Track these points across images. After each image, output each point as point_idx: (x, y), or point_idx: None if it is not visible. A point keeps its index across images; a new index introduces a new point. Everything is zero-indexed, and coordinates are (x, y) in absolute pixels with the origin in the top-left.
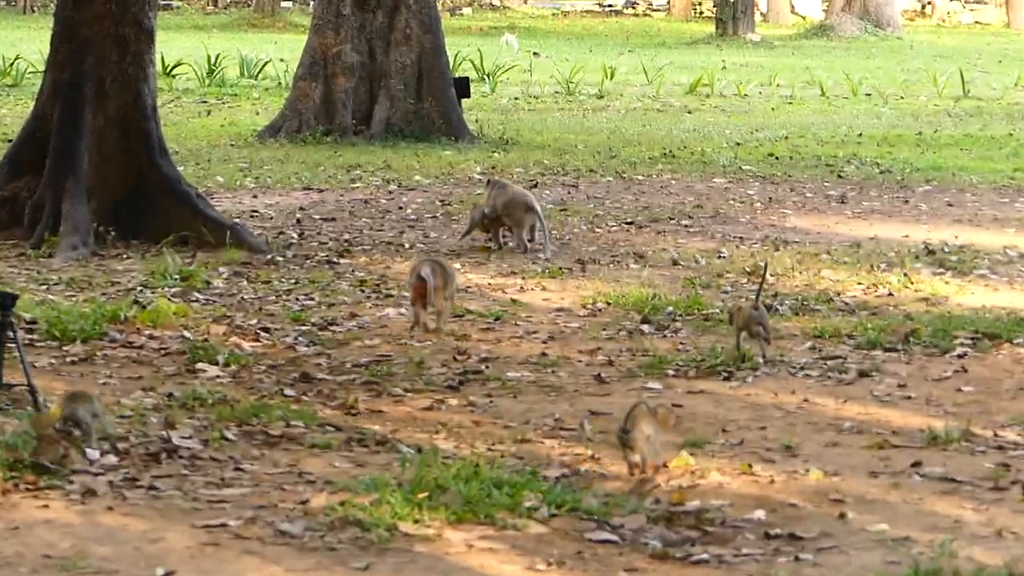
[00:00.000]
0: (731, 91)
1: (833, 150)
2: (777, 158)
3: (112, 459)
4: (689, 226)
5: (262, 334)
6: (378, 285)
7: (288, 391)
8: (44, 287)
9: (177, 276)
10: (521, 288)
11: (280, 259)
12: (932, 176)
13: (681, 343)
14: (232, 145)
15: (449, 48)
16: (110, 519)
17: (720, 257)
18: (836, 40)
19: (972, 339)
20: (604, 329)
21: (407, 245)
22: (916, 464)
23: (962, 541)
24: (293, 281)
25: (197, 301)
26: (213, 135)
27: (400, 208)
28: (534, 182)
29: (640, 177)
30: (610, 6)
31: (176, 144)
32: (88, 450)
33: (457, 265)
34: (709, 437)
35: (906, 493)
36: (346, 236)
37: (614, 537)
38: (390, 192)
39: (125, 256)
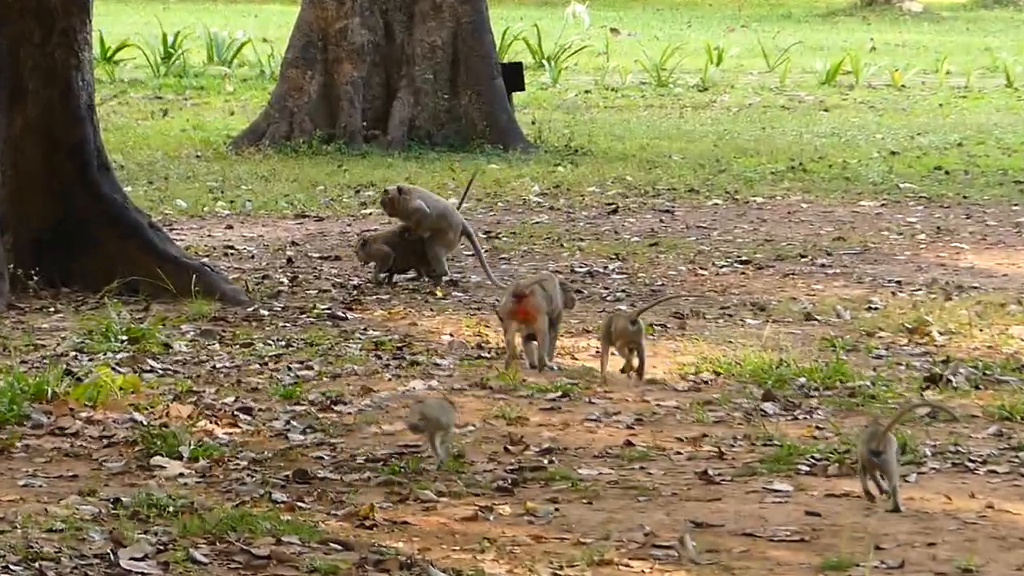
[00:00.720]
0: (883, 81)
1: None
2: (947, 173)
3: None
4: (827, 266)
5: (242, 416)
6: (400, 348)
7: (278, 495)
8: None
9: (124, 337)
10: (597, 351)
11: (265, 313)
12: None
13: (818, 428)
14: (198, 157)
15: (495, 23)
16: None
17: (871, 309)
18: None
19: None
20: (711, 409)
21: (439, 294)
22: None
23: None
24: (283, 343)
25: (152, 371)
26: (172, 143)
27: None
28: (613, 206)
29: (759, 199)
30: None
31: (121, 156)
32: None
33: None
34: (858, 557)
35: None
36: (355, 281)
37: None
38: None
39: (52, 309)
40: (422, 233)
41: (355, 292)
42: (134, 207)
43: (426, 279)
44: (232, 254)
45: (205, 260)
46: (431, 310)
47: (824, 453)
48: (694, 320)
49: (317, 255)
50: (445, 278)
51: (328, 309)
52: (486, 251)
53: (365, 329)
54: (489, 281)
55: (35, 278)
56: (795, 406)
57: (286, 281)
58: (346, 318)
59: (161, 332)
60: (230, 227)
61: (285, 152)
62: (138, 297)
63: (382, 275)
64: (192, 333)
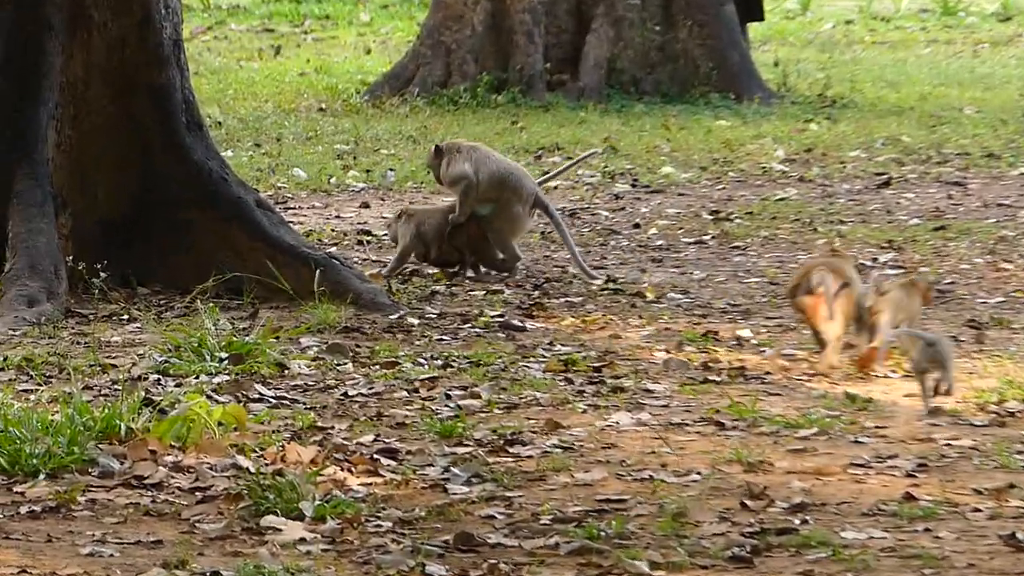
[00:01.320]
0: None
1: None
2: None
3: None
4: None
5: (384, 462)
6: (598, 369)
7: (434, 567)
8: None
9: (223, 354)
10: (865, 373)
11: (415, 322)
12: None
13: None
14: (322, 110)
15: None
16: None
17: None
18: None
19: None
20: (1021, 451)
21: (650, 295)
22: None
23: None
24: (439, 362)
25: (262, 400)
26: (287, 93)
27: (637, 226)
28: (885, 176)
29: None
30: None
31: (218, 110)
32: None
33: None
34: None
35: None
36: (536, 279)
37: None
38: (616, 196)
39: (125, 317)
40: (462, 214)
41: (536, 293)
42: (236, 179)
43: (490, 272)
44: (369, 242)
45: (332, 250)
46: (639, 317)
47: None
48: (995, 331)
49: None
50: (520, 265)
51: (500, 317)
52: (712, 237)
53: (550, 344)
54: (582, 273)
55: (103, 274)
56: None
57: (442, 278)
58: (524, 329)
59: (274, 348)
60: (366, 205)
61: (440, 104)
62: (242, 300)
63: (397, 268)
64: (315, 349)
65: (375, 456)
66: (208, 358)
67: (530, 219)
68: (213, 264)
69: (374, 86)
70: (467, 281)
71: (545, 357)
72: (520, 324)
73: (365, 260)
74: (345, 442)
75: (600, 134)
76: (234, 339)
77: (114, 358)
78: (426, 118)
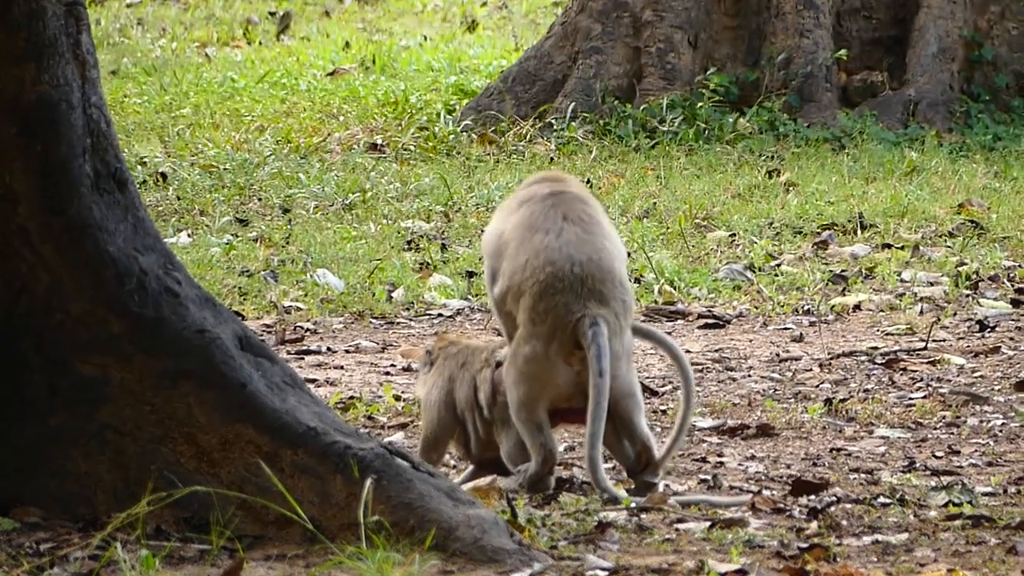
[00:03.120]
0: None
1: None
2: None
3: None
4: None
5: None
6: None
7: None
8: None
9: None
10: None
11: None
12: None
13: None
14: (376, 148)
15: None
16: None
17: None
18: None
19: None
20: None
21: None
22: None
23: None
24: None
25: None
26: (301, 113)
27: None
28: None
29: None
30: None
31: (163, 147)
32: None
33: None
34: None
35: None
36: (815, 499)
37: None
38: (983, 325)
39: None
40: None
41: (813, 525)
42: (196, 293)
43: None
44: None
45: (396, 440)
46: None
47: None
48: None
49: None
50: (548, 474)
51: (741, 574)
52: None
53: None
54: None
55: None
56: None
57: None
58: None
59: None
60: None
61: (617, 135)
62: (207, 543)
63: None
64: None
65: None
66: None
67: (573, 370)
68: (146, 469)
69: (482, 98)
70: (671, 500)
71: None
72: None
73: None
74: None
75: (949, 196)
76: None
77: None
78: (592, 163)
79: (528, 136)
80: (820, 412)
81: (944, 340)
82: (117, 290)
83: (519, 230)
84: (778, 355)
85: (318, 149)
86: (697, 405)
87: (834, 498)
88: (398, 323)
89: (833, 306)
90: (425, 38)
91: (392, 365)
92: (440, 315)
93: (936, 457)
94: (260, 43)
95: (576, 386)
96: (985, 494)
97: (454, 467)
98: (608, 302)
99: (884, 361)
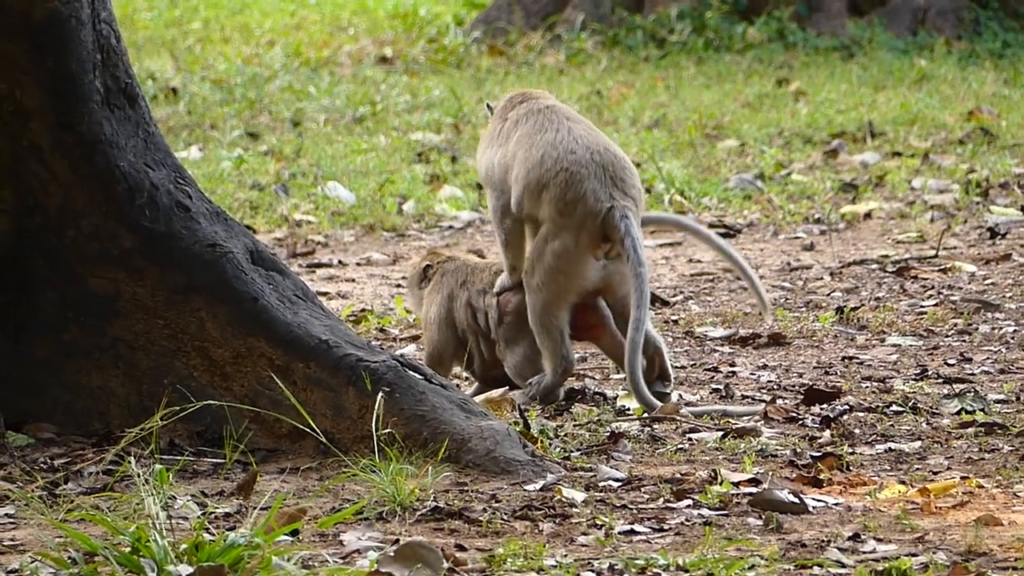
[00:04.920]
0: None
1: None
2: None
3: None
4: None
5: None
6: None
7: None
8: None
9: (186, 568)
10: None
11: (578, 496)
12: None
13: None
14: (385, 60)
15: None
16: None
17: None
18: None
19: None
20: None
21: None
22: None
23: None
24: None
25: None
26: (310, 26)
27: None
28: None
29: None
30: None
31: (174, 63)
32: None
33: None
34: None
35: None
36: (829, 406)
37: None
38: (993, 232)
39: None
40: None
41: (826, 434)
42: (207, 207)
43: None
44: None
45: (408, 352)
46: None
47: None
48: None
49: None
50: (563, 383)
51: (753, 483)
52: None
53: (854, 538)
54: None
55: None
56: None
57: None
58: (802, 507)
59: (288, 554)
60: (477, 254)
61: (626, 44)
62: (221, 456)
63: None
64: (373, 555)
65: None
66: None
67: (599, 263)
68: (159, 383)
69: (491, 10)
70: (683, 410)
71: (844, 567)
72: (793, 498)
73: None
74: None
75: (959, 103)
76: (206, 537)
77: None
78: (601, 74)
79: (538, 48)
80: (832, 321)
81: (955, 248)
82: (128, 205)
83: (525, 139)
84: (789, 264)
85: (328, 62)
86: (710, 310)
87: (847, 407)
88: (409, 235)
89: (843, 215)
90: None
91: (403, 277)
92: (451, 227)
93: (948, 365)
94: None
95: (601, 280)
96: (997, 401)
97: (465, 379)
98: (628, 191)
99: (895, 269)
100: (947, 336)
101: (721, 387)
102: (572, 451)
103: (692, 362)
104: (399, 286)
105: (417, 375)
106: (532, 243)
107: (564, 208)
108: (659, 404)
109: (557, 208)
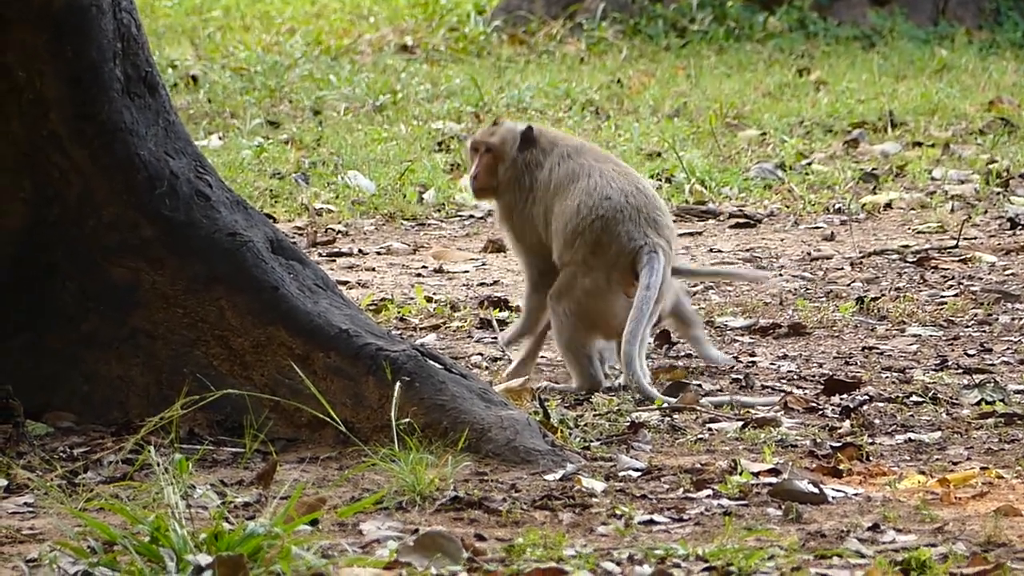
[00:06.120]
0: None
1: None
2: None
3: None
4: None
5: None
6: None
7: None
8: None
9: (205, 558)
10: None
11: (599, 486)
12: None
13: None
14: (406, 49)
15: None
16: None
17: None
18: None
19: None
20: None
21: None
22: None
23: None
24: (648, 572)
25: None
26: (331, 15)
27: None
28: None
29: None
30: None
31: (195, 51)
32: None
33: None
34: None
35: None
36: (848, 398)
37: None
38: (1015, 222)
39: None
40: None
41: (846, 424)
42: (227, 196)
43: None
44: (507, 325)
45: (428, 342)
46: None
47: None
48: None
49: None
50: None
51: (774, 473)
52: None
53: (874, 528)
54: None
55: None
56: None
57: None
58: (822, 497)
59: (308, 544)
60: (497, 248)
61: (648, 34)
62: (240, 446)
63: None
64: (394, 545)
65: None
66: (172, 566)
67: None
68: (179, 373)
69: (512, 0)
70: (703, 399)
71: (864, 558)
72: (813, 488)
73: (499, 361)
74: None
75: (979, 93)
76: (225, 526)
77: None
78: (622, 63)
79: (558, 36)
80: (852, 311)
81: (975, 238)
82: (148, 194)
83: (559, 190)
84: (809, 254)
85: (348, 51)
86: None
87: (866, 397)
88: (429, 224)
89: (864, 204)
90: None
91: (424, 267)
92: (471, 216)
93: (968, 355)
94: None
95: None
96: (1017, 392)
97: (485, 368)
98: (662, 231)
99: (915, 259)
100: (967, 326)
101: (741, 377)
102: (592, 441)
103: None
104: (419, 275)
105: (437, 364)
106: (562, 273)
107: (597, 249)
108: (658, 395)
109: (592, 250)
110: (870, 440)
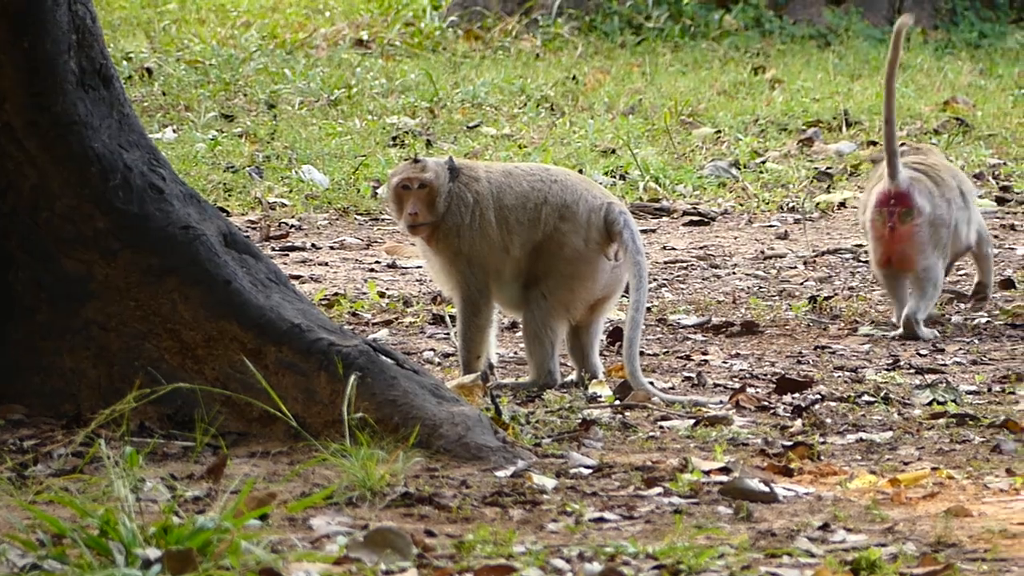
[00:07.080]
0: None
1: None
2: None
3: None
4: None
5: None
6: None
7: None
8: None
9: (155, 551)
10: None
11: (549, 483)
12: None
13: None
14: (361, 43)
15: None
16: None
17: None
18: None
19: None
20: None
21: None
22: None
23: None
24: (597, 570)
25: None
26: (287, 7)
27: (1010, 284)
28: None
29: None
30: None
31: (148, 43)
32: None
33: None
34: None
35: None
36: (802, 395)
37: None
38: None
39: None
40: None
41: (797, 423)
42: (180, 190)
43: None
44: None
45: (380, 336)
46: (1006, 472)
47: None
48: None
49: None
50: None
51: (724, 471)
52: None
53: (824, 527)
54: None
55: None
56: None
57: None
58: (772, 496)
59: (257, 539)
60: None
61: (602, 30)
62: (191, 439)
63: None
64: (343, 540)
65: None
66: (121, 560)
67: (609, 265)
68: (131, 366)
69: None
70: (654, 398)
71: (814, 557)
72: (763, 487)
73: (451, 356)
74: None
75: (935, 93)
76: (175, 520)
77: None
78: (578, 59)
79: (514, 32)
80: (804, 310)
81: None
82: (102, 186)
83: (503, 188)
84: (763, 252)
85: (304, 45)
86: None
87: (818, 396)
88: (383, 220)
89: (818, 203)
90: None
91: (377, 262)
92: None
93: (920, 355)
94: None
95: (606, 285)
96: (969, 392)
97: (437, 364)
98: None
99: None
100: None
101: (693, 375)
102: (543, 438)
103: (664, 350)
104: (372, 270)
105: (389, 360)
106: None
107: (566, 212)
108: (650, 386)
109: (559, 214)
110: (821, 439)
